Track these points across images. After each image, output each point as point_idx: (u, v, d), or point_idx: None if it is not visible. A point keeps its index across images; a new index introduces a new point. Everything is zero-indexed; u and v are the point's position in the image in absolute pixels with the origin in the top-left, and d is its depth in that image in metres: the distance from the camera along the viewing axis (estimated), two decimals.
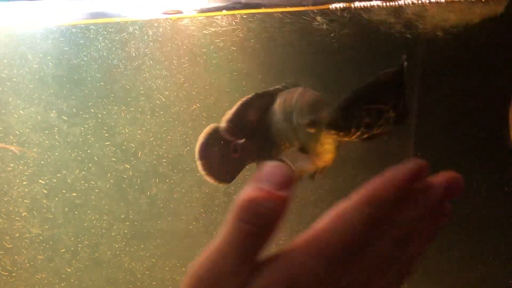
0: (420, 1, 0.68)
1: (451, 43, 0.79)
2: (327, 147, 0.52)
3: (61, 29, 0.76)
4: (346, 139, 0.48)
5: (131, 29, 0.78)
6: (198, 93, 0.87)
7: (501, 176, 0.90)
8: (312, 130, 0.52)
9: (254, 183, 0.26)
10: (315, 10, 0.69)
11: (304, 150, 0.54)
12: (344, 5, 0.62)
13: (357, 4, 0.60)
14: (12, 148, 0.77)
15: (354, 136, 0.47)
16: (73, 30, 0.77)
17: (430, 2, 0.69)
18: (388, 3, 0.64)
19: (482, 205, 0.90)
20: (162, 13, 0.68)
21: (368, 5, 0.61)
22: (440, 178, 0.29)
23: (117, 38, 0.78)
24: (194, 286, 0.26)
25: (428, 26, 0.74)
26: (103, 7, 0.60)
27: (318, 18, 0.71)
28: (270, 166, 0.27)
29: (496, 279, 0.97)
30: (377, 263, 0.28)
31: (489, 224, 0.93)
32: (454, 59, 0.84)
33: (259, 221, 0.26)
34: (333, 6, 0.60)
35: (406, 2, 0.61)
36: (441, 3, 0.70)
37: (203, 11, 0.67)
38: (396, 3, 0.63)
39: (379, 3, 0.60)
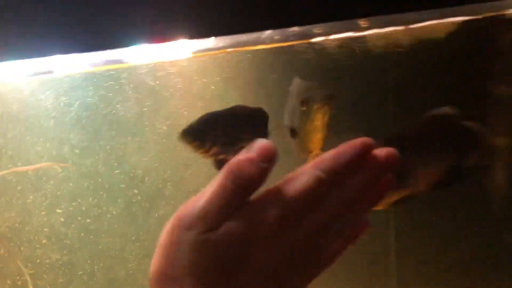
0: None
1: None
2: (317, 123, 0.58)
3: (72, 77, 0.86)
4: (200, 153, 0.50)
5: (134, 73, 0.87)
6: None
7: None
8: (304, 107, 0.58)
9: (244, 152, 0.32)
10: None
11: (294, 133, 0.61)
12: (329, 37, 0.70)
13: (333, 36, 0.68)
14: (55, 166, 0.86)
15: (209, 153, 0.50)
16: (83, 76, 0.86)
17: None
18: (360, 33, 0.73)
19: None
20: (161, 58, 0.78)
21: (343, 36, 0.69)
22: (381, 152, 0.35)
23: (123, 81, 0.88)
24: (178, 224, 0.32)
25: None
26: (106, 56, 0.69)
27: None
28: (259, 142, 0.32)
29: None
30: (324, 219, 0.34)
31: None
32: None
33: (240, 183, 0.32)
34: (315, 39, 0.68)
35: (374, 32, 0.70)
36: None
37: (194, 52, 0.76)
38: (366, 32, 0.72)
39: (352, 34, 0.69)
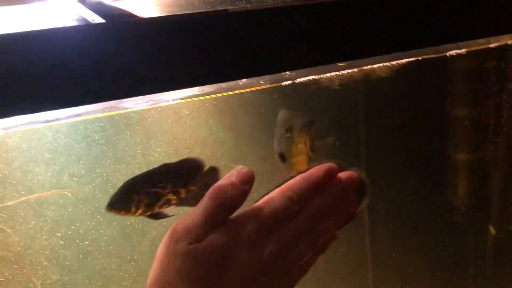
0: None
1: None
2: (300, 146, 0.64)
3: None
4: (129, 215, 0.55)
5: (128, 116, 0.98)
6: (185, 147, 1.06)
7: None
8: (288, 134, 0.64)
9: (227, 176, 0.38)
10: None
11: (283, 157, 0.67)
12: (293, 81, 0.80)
13: (300, 80, 0.78)
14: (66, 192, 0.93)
15: (137, 214, 0.55)
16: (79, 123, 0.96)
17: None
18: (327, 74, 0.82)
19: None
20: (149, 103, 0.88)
21: (311, 78, 0.79)
22: (344, 175, 0.40)
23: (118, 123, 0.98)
24: (171, 237, 0.37)
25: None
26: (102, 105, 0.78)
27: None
28: (239, 168, 0.38)
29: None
30: (296, 233, 0.38)
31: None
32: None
33: (222, 203, 0.37)
34: (284, 83, 0.78)
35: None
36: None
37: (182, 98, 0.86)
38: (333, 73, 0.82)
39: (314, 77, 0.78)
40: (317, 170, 0.39)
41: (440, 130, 1.13)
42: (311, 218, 0.39)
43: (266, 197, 0.39)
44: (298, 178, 0.39)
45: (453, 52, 0.75)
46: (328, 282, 1.13)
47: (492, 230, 1.08)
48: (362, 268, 1.19)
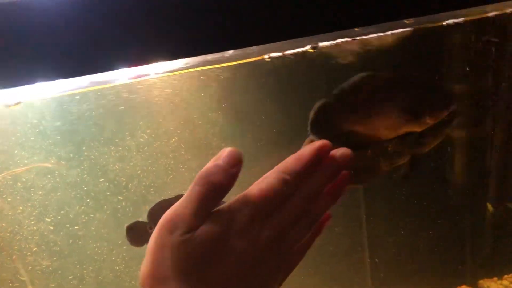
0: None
1: None
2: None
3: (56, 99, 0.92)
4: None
5: (114, 92, 0.94)
6: (175, 128, 1.03)
7: None
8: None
9: (213, 160, 0.36)
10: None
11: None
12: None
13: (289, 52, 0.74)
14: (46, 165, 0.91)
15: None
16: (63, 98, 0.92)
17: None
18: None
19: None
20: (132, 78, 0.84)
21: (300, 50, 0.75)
22: (337, 152, 0.39)
23: (105, 100, 0.94)
24: (161, 225, 0.36)
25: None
26: (88, 80, 0.75)
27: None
28: (225, 149, 0.36)
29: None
30: (291, 216, 0.37)
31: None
32: None
33: (210, 187, 0.35)
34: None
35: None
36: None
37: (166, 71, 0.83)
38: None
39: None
40: (309, 149, 0.38)
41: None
42: (306, 200, 0.38)
43: (259, 180, 0.38)
44: (290, 159, 0.38)
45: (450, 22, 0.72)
46: (324, 263, 1.12)
47: (490, 207, 1.06)
48: (358, 247, 1.18)
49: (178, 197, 0.51)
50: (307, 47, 0.66)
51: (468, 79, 1.04)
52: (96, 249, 1.01)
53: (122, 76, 0.85)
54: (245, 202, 0.36)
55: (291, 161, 0.38)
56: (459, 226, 1.13)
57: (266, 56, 0.74)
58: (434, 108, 0.49)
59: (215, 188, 0.35)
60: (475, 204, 1.10)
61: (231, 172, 0.35)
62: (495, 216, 1.06)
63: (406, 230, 1.16)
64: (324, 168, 0.39)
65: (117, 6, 0.43)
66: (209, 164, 0.36)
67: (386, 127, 0.48)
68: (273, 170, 0.38)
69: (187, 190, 0.36)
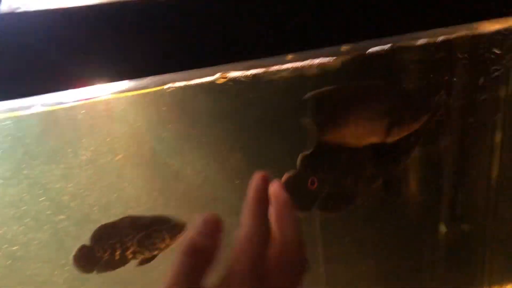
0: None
1: None
2: None
3: None
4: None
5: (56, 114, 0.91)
6: (120, 145, 1.00)
7: None
8: None
9: (195, 227, 0.36)
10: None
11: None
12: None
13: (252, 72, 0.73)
14: None
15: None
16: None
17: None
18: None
19: None
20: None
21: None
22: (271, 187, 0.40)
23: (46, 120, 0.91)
24: None
25: None
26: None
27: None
28: (204, 216, 0.37)
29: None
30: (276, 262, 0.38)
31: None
32: None
33: (195, 255, 0.35)
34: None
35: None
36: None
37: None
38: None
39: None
40: (255, 182, 0.40)
41: None
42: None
43: (235, 244, 0.38)
44: (246, 203, 0.39)
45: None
46: None
47: (443, 227, 1.04)
48: (315, 265, 1.16)
49: (123, 220, 0.51)
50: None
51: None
52: (36, 270, 0.98)
53: (67, 98, 0.83)
54: (234, 275, 0.37)
55: (249, 205, 0.39)
56: (412, 244, 1.11)
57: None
58: (403, 120, 0.51)
59: (202, 255, 0.36)
60: (429, 223, 1.08)
61: (214, 236, 0.36)
62: (448, 236, 1.04)
63: (360, 250, 1.14)
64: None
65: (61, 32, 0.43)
66: (190, 232, 0.36)
67: (354, 136, 0.51)
68: (240, 225, 0.38)
69: (173, 263, 0.35)
